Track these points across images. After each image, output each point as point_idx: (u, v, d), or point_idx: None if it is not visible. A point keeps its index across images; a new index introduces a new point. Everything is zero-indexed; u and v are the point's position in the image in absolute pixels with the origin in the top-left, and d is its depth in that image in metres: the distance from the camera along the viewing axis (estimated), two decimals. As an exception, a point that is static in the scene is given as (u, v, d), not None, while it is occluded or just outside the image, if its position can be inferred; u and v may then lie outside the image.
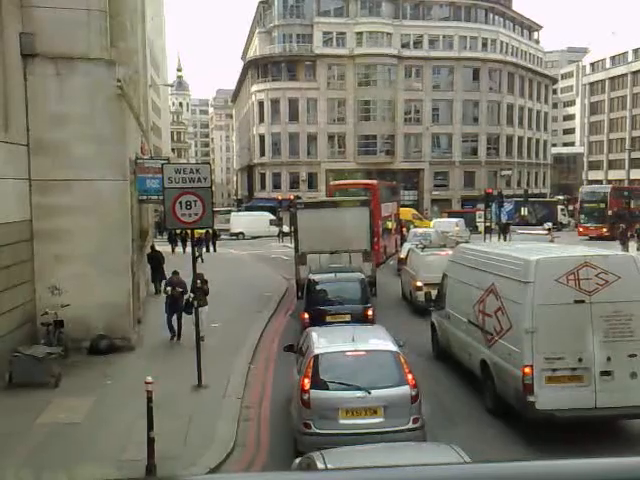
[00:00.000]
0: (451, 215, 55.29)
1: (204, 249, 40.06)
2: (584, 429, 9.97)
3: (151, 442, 8.55)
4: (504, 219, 60.73)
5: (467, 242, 25.56)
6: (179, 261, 22.64)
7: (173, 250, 37.90)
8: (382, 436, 8.40)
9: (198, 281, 15.16)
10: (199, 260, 33.42)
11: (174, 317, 16.48)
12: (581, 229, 49.29)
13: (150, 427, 8.57)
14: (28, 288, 14.70)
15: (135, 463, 8.79)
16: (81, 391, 12.30)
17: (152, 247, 25.27)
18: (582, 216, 50.62)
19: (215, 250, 41.32)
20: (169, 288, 16.62)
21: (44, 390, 12.19)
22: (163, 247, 29.58)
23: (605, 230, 45.94)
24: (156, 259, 23.96)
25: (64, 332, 14.29)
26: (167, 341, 16.52)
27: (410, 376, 9.19)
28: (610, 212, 47.62)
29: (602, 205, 48.69)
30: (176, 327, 16.50)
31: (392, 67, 69.99)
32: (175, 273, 17.34)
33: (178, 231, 34.36)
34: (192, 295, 15.42)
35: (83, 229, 14.96)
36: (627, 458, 1.86)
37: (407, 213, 49.84)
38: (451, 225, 41.16)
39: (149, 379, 8.82)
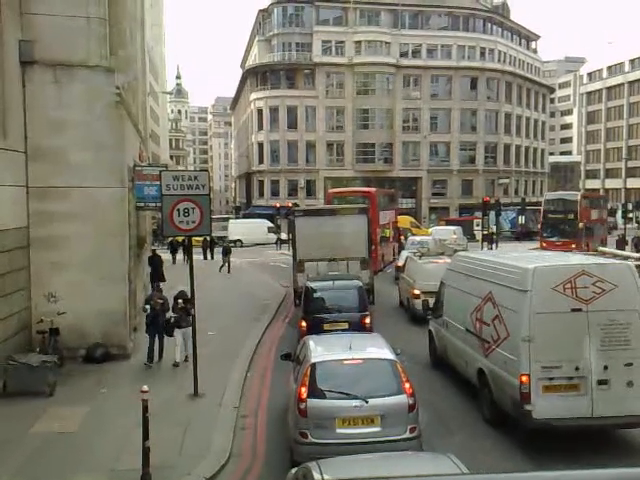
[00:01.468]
0: (448, 223, 55.06)
1: (201, 257, 40.16)
2: (581, 438, 9.94)
3: (146, 451, 8.48)
4: (507, 227, 60.73)
5: (465, 250, 25.56)
6: (181, 271, 22.26)
7: (174, 260, 36.46)
8: (379, 445, 8.34)
9: (180, 300, 14.63)
10: (225, 271, 33.66)
11: (155, 339, 14.95)
12: (544, 244, 39.12)
13: (145, 436, 8.51)
14: (24, 296, 14.65)
15: (130, 473, 8.71)
16: (76, 400, 12.22)
17: (153, 251, 26.32)
18: (545, 228, 41.15)
19: (213, 258, 41.31)
20: (147, 306, 15.02)
21: (39, 399, 12.12)
22: (164, 256, 29.98)
23: (575, 247, 35.44)
24: (155, 262, 25.01)
25: (60, 340, 14.23)
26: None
27: (407, 385, 9.15)
28: (581, 224, 39.07)
29: (571, 216, 39.36)
30: (157, 349, 14.97)
31: (390, 76, 70.26)
32: (158, 290, 16.20)
33: (179, 239, 34.04)
34: (173, 315, 14.90)
35: (80, 236, 14.92)
36: (624, 469, 1.85)
37: (405, 221, 49.90)
38: (449, 233, 41.22)
39: (145, 388, 8.77)
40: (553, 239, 39.06)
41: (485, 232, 44.40)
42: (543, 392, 9.73)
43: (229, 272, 34.03)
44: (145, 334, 15.26)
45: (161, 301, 15.11)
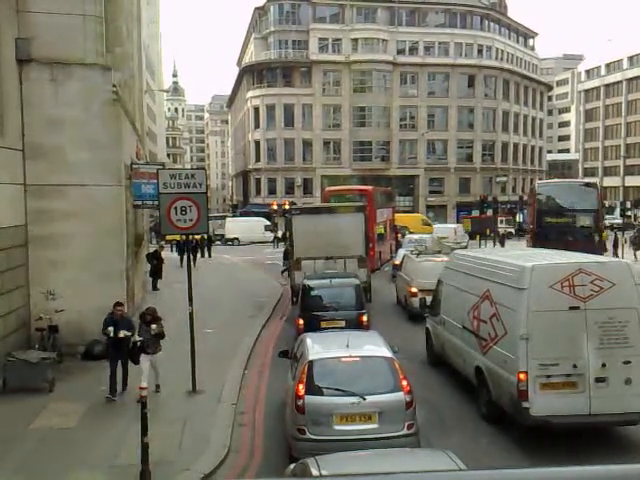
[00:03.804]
0: (472, 221, 52.94)
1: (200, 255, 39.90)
2: (578, 436, 9.97)
3: (145, 447, 8.50)
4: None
5: (465, 248, 25.52)
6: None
7: (182, 262, 32.29)
8: (376, 442, 8.39)
9: (149, 318, 12.57)
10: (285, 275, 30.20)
11: (119, 365, 12.47)
12: None
13: (144, 432, 8.53)
14: (22, 293, 14.67)
15: (129, 468, 8.75)
16: (75, 396, 12.25)
17: (158, 252, 27.52)
18: (540, 237, 26.31)
19: (210, 256, 41.29)
20: (110, 328, 12.30)
21: (38, 395, 12.16)
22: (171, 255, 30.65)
23: None
24: (156, 259, 26.84)
25: (58, 337, 14.26)
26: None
27: (405, 382, 9.19)
28: (605, 234, 27.73)
29: (586, 221, 26.57)
30: (121, 377, 12.50)
31: (387, 73, 70.18)
32: (118, 304, 12.85)
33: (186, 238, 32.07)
34: (139, 338, 12.48)
35: (78, 234, 14.94)
36: (620, 466, 1.87)
37: (417, 219, 50.14)
38: (449, 231, 41.11)
39: (143, 384, 8.80)
40: None
41: (501, 230, 43.00)
42: (541, 390, 9.76)
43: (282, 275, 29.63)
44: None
45: (129, 333, 12.53)
